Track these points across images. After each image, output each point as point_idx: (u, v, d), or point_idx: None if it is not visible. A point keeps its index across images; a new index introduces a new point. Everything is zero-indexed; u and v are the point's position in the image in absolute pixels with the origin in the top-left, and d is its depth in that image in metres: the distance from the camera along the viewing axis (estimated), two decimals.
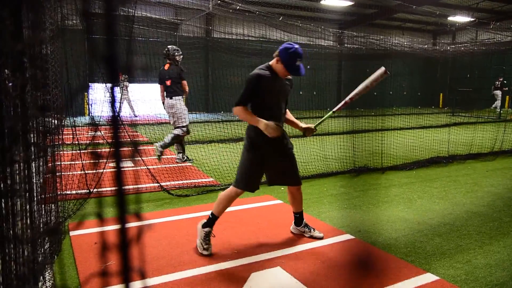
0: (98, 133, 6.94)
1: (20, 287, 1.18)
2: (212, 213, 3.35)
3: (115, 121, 0.51)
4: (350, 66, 20.99)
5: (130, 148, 0.57)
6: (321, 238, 3.56)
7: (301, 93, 19.64)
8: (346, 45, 18.08)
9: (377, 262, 3.12)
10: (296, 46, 3.16)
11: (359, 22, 19.35)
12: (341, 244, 3.47)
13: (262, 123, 3.10)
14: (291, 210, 4.31)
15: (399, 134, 9.35)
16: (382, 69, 3.40)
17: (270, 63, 3.27)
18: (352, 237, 3.60)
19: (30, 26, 1.40)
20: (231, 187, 3.35)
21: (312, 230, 3.63)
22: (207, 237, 3.28)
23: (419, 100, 23.17)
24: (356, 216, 4.20)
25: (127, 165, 0.58)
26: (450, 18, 18.30)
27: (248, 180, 3.31)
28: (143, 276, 0.56)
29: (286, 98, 3.42)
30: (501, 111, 16.75)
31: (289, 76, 3.35)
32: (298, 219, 3.64)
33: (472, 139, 8.66)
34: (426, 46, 18.03)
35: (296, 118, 3.55)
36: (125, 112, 13.77)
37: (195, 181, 5.57)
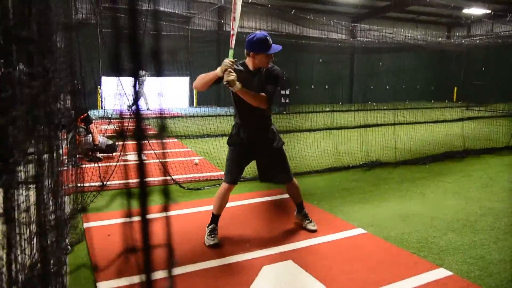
0: (111, 126, 7.02)
1: (45, 274, 1.20)
2: (212, 212, 3.42)
3: (138, 113, 0.52)
4: (362, 60, 20.76)
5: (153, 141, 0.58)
6: (313, 232, 3.55)
7: (312, 87, 19.54)
8: (358, 38, 17.85)
9: (390, 256, 3.11)
10: (255, 32, 3.22)
11: (372, 15, 19.11)
12: (353, 238, 3.47)
13: (218, 69, 3.11)
14: None
15: (412, 128, 9.24)
16: None
17: (246, 61, 3.28)
18: (364, 231, 3.59)
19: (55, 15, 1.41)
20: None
21: (307, 221, 3.63)
22: (212, 233, 3.34)
23: (432, 94, 22.84)
24: (368, 211, 4.17)
25: (135, 158, 0.59)
26: (465, 11, 17.95)
27: (228, 174, 3.39)
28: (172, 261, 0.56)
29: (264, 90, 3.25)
30: None
31: (270, 66, 3.27)
32: (298, 208, 3.70)
33: (487, 134, 8.52)
34: (440, 39, 17.72)
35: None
36: (140, 106, 13.84)
37: (207, 174, 5.59)
